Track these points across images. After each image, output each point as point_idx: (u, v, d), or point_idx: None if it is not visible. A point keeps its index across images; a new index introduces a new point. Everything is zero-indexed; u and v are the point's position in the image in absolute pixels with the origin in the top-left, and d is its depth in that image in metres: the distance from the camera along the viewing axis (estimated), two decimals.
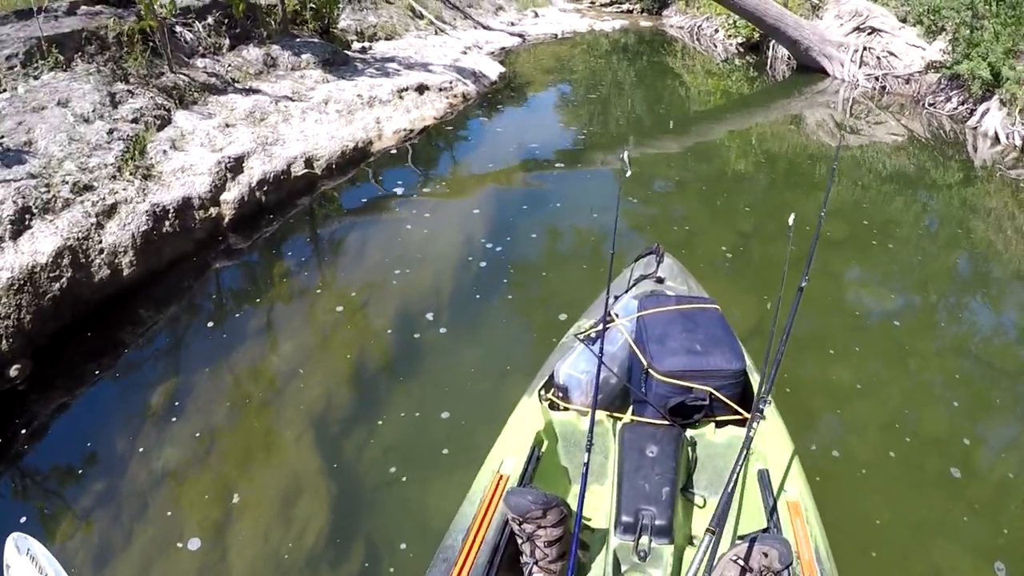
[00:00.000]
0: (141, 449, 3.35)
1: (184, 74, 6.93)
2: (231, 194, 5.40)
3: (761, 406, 2.35)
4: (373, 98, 7.96)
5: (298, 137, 6.44)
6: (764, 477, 2.48)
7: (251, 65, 8.07)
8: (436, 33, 13.57)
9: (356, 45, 10.99)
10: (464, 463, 3.02)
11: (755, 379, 2.89)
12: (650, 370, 2.66)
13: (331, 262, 5.15)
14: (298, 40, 9.08)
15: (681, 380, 2.62)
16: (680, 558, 2.27)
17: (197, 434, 3.43)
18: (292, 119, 6.79)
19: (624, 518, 2.23)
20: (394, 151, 7.37)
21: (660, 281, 3.55)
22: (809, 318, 4.91)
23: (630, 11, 26.06)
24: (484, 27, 15.96)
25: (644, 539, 2.19)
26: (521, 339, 4.15)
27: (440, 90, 9.19)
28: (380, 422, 3.49)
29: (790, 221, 2.94)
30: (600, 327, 2.89)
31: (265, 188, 5.72)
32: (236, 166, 5.63)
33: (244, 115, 6.53)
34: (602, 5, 26.71)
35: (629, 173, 3.38)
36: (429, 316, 4.30)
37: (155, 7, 6.70)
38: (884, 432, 3.77)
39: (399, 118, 7.84)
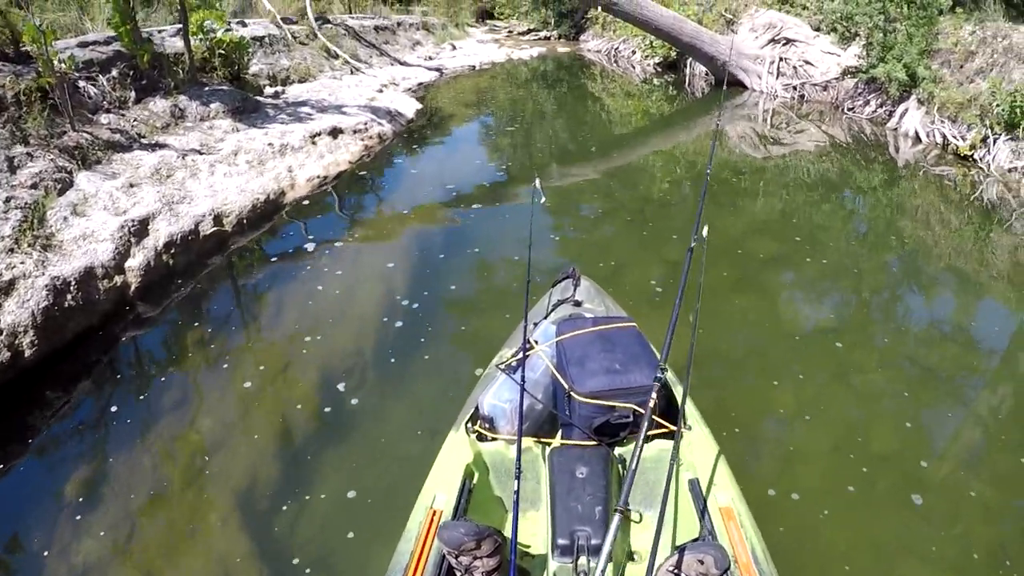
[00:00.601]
0: (58, 545, 3.17)
1: (87, 132, 6.75)
2: (136, 260, 5.24)
3: (685, 418, 2.45)
4: (285, 146, 7.85)
5: (206, 193, 6.31)
6: (695, 486, 2.53)
7: (158, 118, 7.91)
8: (352, 72, 13.53)
9: (269, 90, 10.88)
10: (371, 545, 3.01)
11: (678, 392, 2.96)
12: (572, 393, 2.71)
13: (242, 330, 4.94)
14: (207, 89, 8.94)
15: (603, 400, 2.68)
16: (621, 575, 2.30)
17: (118, 523, 3.27)
18: (200, 174, 6.66)
19: (560, 541, 2.26)
20: (307, 201, 7.22)
21: (578, 304, 3.62)
22: (749, 342, 4.99)
23: (547, 38, 26.46)
24: (401, 63, 15.98)
25: (583, 560, 2.22)
26: (435, 402, 4.00)
27: (355, 132, 9.13)
28: (284, 507, 3.36)
29: (704, 233, 2.99)
30: (520, 355, 2.92)
31: (172, 251, 5.56)
32: (141, 229, 5.48)
33: (150, 173, 6.38)
34: (520, 34, 27.08)
35: (543, 200, 3.44)
36: (341, 387, 4.12)
37: (55, 62, 6.52)
38: (839, 465, 3.75)
39: (312, 165, 7.76)
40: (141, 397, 4.18)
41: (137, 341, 4.81)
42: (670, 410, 2.84)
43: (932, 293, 6.37)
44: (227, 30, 11.03)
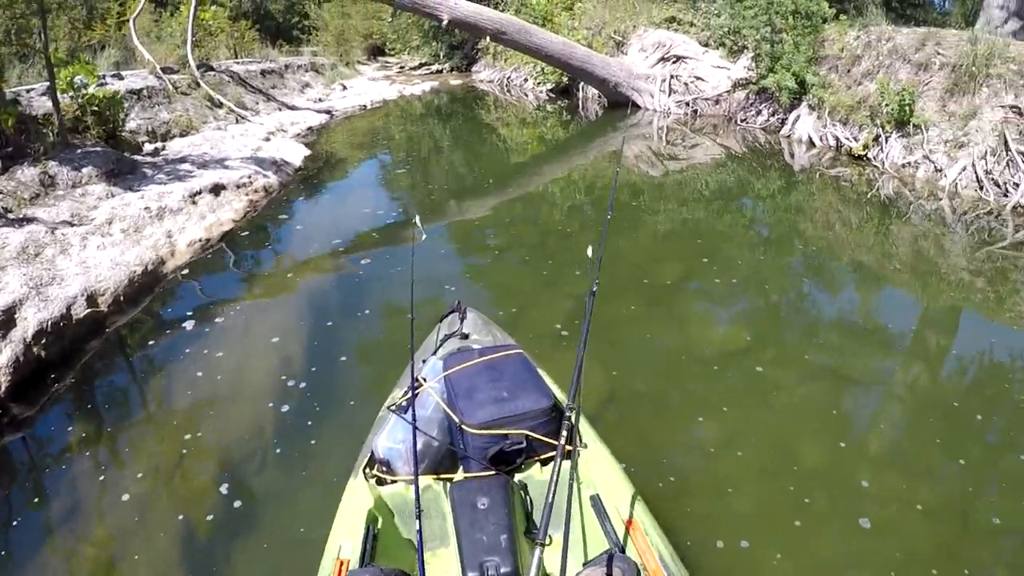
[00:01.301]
0: None
1: None
2: (4, 356, 4.88)
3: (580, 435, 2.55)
4: (163, 208, 7.57)
5: (77, 271, 6.01)
6: (597, 503, 2.60)
7: (26, 188, 7.55)
8: (237, 121, 13.25)
9: (148, 146, 10.55)
10: None
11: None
12: (463, 426, 2.76)
13: (121, 431, 4.50)
14: (79, 151, 8.59)
15: (494, 429, 2.74)
16: None
17: None
18: (71, 249, 6.36)
19: (470, 574, 2.27)
20: (186, 270, 6.86)
21: (465, 337, 3.69)
22: (667, 376, 4.98)
23: (439, 71, 26.57)
24: (289, 107, 15.77)
25: None
26: (320, 489, 3.77)
27: (238, 187, 8.91)
28: None
29: (588, 253, 3.19)
30: (410, 394, 2.92)
31: (44, 341, 5.21)
32: (7, 320, 5.16)
33: (16, 253, 6.05)
34: (412, 69, 27.12)
35: (424, 237, 3.54)
36: (224, 489, 3.83)
37: None
38: (781, 500, 3.71)
39: (193, 228, 7.50)
40: (25, 512, 3.83)
41: (14, 446, 4.42)
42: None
43: (843, 296, 6.60)
44: (100, 85, 10.67)
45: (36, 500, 3.96)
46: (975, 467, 4.03)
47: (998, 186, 9.06)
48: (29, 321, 5.24)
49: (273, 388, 4.74)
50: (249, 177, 9.27)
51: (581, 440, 2.80)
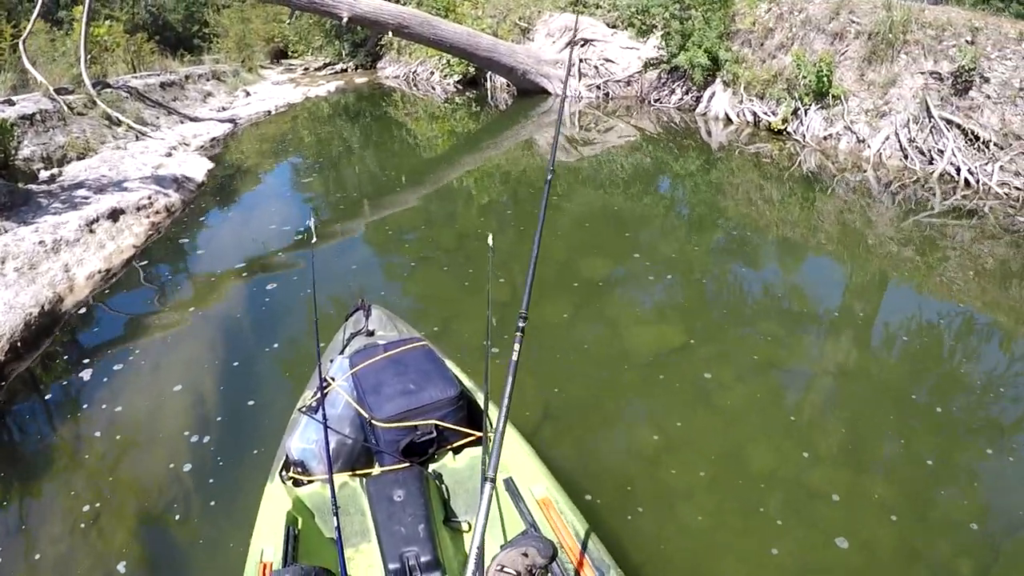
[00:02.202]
0: None
1: None
2: None
3: (490, 421, 2.62)
4: (58, 241, 7.35)
5: None
6: (511, 485, 2.66)
7: None
8: (137, 138, 12.91)
9: (44, 173, 10.19)
10: None
11: (479, 398, 3.09)
12: (373, 421, 2.82)
13: (15, 502, 4.18)
14: None
15: (403, 421, 2.80)
16: None
17: None
18: None
19: (391, 565, 2.32)
20: (83, 310, 6.47)
21: (371, 334, 3.74)
22: (607, 386, 4.79)
23: (344, 70, 26.34)
24: (192, 119, 15.45)
25: None
26: (219, 551, 3.59)
27: (138, 210, 8.71)
28: None
29: (489, 242, 3.16)
30: (319, 394, 2.96)
31: None
32: None
33: None
34: (316, 70, 26.82)
35: (315, 240, 3.54)
36: (121, 568, 3.54)
37: None
38: (754, 527, 3.51)
39: (92, 259, 7.30)
40: None
41: None
42: (473, 419, 3.00)
43: (777, 280, 6.58)
44: None
45: None
46: (932, 456, 4.03)
47: (923, 154, 9.21)
48: None
49: (174, 446, 4.42)
50: (149, 198, 9.06)
51: (491, 425, 2.80)
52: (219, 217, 9.60)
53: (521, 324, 2.30)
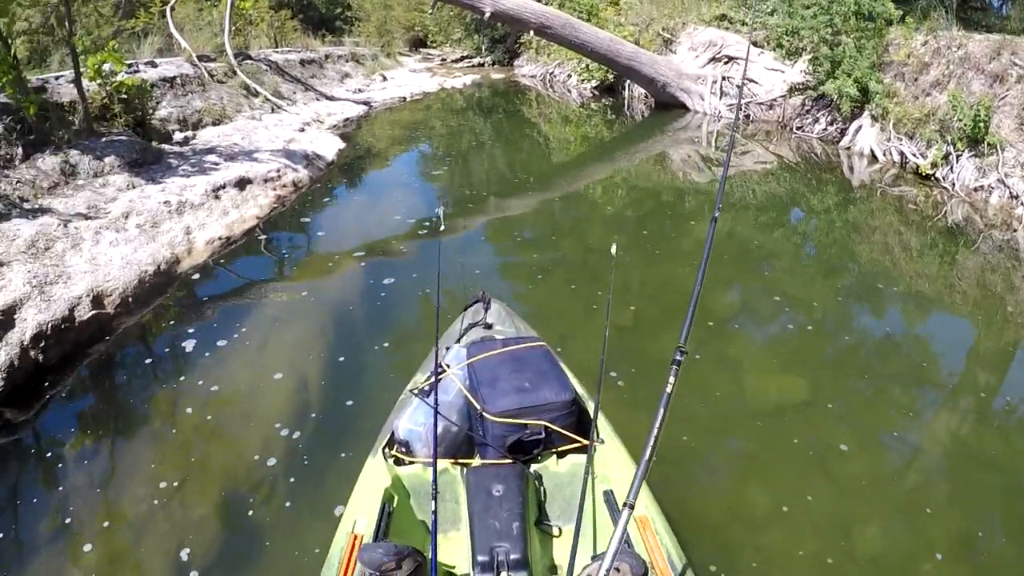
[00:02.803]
0: None
1: None
2: None
3: (597, 431, 2.68)
4: (183, 203, 7.23)
5: (86, 268, 5.68)
6: (610, 498, 2.63)
7: (46, 177, 7.27)
8: (273, 111, 12.95)
9: (178, 135, 10.27)
10: None
11: (590, 407, 3.02)
12: (484, 413, 2.81)
13: (100, 464, 4.04)
14: (103, 140, 8.32)
15: (514, 418, 2.79)
16: None
17: None
18: (83, 244, 6.03)
19: (480, 558, 2.30)
20: (197, 275, 6.31)
21: (488, 327, 3.72)
22: (717, 432, 4.37)
23: (481, 64, 26.28)
24: (328, 98, 15.48)
25: (504, 575, 2.26)
26: (288, 558, 3.35)
27: (266, 182, 8.56)
28: None
29: (612, 250, 3.08)
30: (433, 379, 2.96)
31: (43, 344, 4.86)
32: (5, 320, 4.83)
33: (25, 247, 5.73)
34: (453, 61, 26.89)
35: (443, 228, 3.43)
36: (184, 555, 3.32)
37: None
38: None
39: (214, 225, 7.15)
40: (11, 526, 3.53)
41: (4, 452, 4.11)
42: (582, 425, 2.92)
43: (916, 340, 5.87)
44: (134, 72, 10.43)
45: (42, 498, 3.76)
46: None
47: None
48: (28, 323, 4.90)
49: (263, 437, 4.17)
50: (278, 171, 8.92)
51: (599, 435, 2.83)
52: (345, 198, 9.38)
53: (678, 357, 2.14)
